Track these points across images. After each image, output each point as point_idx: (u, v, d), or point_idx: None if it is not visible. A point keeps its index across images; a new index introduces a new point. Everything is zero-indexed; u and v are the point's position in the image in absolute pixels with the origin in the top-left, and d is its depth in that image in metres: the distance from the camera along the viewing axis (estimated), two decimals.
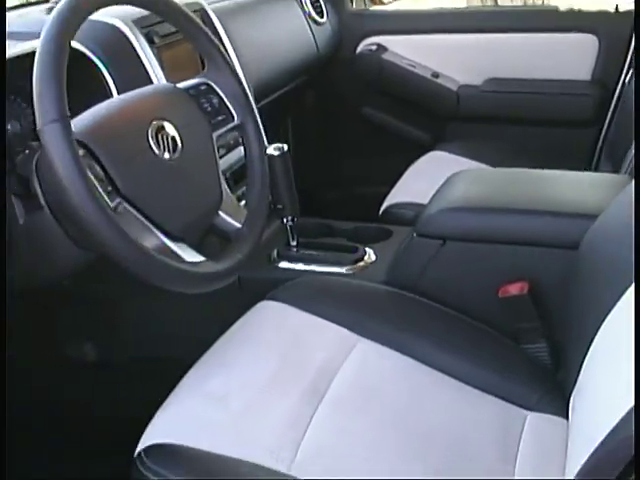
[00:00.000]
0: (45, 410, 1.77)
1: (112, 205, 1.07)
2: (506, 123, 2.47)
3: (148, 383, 1.48)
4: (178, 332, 1.74)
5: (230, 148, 1.62)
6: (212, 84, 1.38)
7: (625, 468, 0.77)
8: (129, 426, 1.25)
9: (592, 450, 0.87)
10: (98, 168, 1.08)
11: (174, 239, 1.15)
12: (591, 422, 0.96)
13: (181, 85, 1.36)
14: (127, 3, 1.24)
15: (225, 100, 1.37)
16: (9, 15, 1.77)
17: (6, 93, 1.36)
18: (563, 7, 2.43)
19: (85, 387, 1.80)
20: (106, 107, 1.22)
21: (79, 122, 1.09)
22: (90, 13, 1.12)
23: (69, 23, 1.06)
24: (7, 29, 1.55)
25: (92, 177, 1.03)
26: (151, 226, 1.12)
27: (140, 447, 1.13)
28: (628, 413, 0.79)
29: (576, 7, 2.39)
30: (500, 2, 4.93)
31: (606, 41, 2.29)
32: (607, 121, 2.28)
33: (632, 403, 0.78)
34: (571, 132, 2.39)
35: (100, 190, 1.04)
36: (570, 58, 2.37)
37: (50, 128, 0.99)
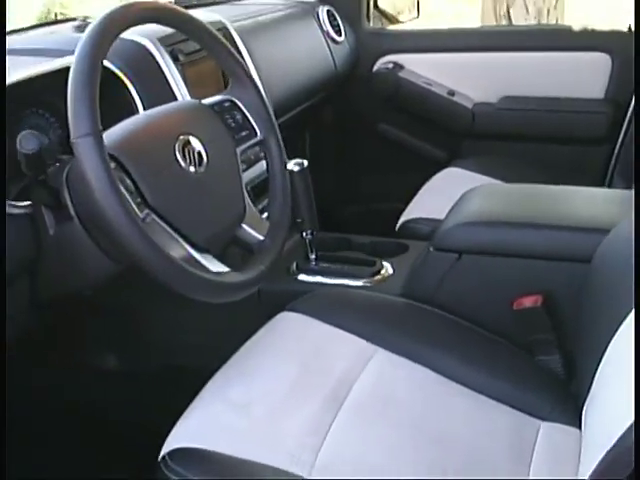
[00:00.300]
0: (66, 416, 1.80)
1: (141, 216, 1.10)
2: (521, 140, 2.48)
3: (168, 391, 1.51)
4: (199, 342, 1.76)
5: (251, 163, 1.64)
6: (236, 101, 1.42)
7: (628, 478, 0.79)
8: (147, 432, 1.29)
9: (601, 458, 0.90)
10: (128, 181, 1.12)
11: (200, 250, 1.18)
12: (602, 431, 0.98)
13: (206, 101, 1.39)
14: (155, 22, 1.28)
15: (248, 116, 1.41)
16: (40, 32, 1.82)
17: (36, 108, 1.40)
18: (577, 26, 2.46)
19: (106, 394, 1.83)
20: (135, 122, 1.26)
21: (109, 136, 1.12)
22: (121, 32, 1.16)
23: (101, 42, 1.10)
24: (37, 46, 1.61)
25: (123, 189, 1.07)
26: (178, 237, 1.16)
27: (164, 451, 1.15)
28: (629, 427, 0.82)
29: (590, 27, 2.42)
30: (514, 21, 4.96)
31: (619, 60, 2.32)
32: (620, 138, 2.29)
33: (632, 418, 0.81)
34: (585, 149, 2.41)
35: (131, 202, 1.08)
36: (584, 77, 2.39)
37: (83, 141, 1.03)
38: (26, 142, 1.14)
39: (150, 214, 1.13)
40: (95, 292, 1.54)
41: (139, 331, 1.84)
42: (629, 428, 0.82)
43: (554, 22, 5.07)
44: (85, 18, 1.91)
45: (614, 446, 0.86)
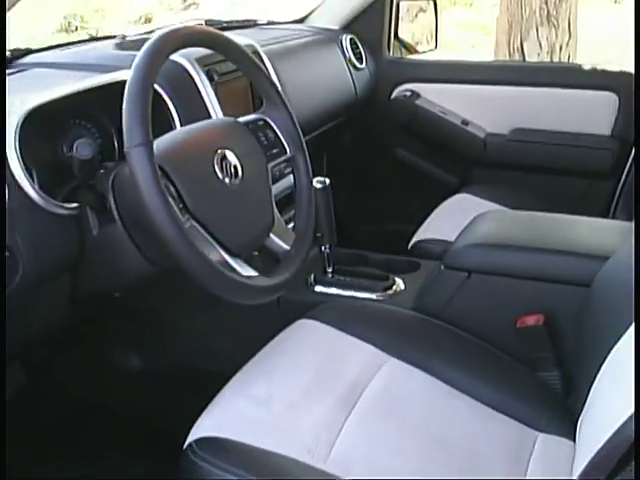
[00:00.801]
0: (80, 411, 1.89)
1: (183, 221, 1.19)
2: (529, 171, 2.53)
3: (186, 392, 1.58)
4: (219, 346, 1.84)
5: (276, 179, 1.71)
6: (268, 120, 1.51)
7: (622, 458, 0.86)
8: (162, 430, 1.36)
9: (592, 455, 0.98)
10: (172, 188, 1.20)
11: (232, 255, 1.26)
12: (594, 438, 1.04)
13: (241, 120, 1.49)
14: (201, 46, 1.38)
15: (279, 135, 1.50)
16: (82, 48, 1.92)
17: (79, 119, 1.48)
18: (586, 66, 2.53)
19: (126, 393, 1.91)
20: (178, 135, 1.35)
21: (156, 147, 1.19)
22: (171, 54, 1.26)
23: (154, 62, 1.20)
24: (81, 61, 1.69)
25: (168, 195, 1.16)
26: (213, 242, 1.24)
27: (190, 439, 1.23)
28: (629, 417, 0.89)
29: (599, 66, 2.48)
30: (527, 56, 5.00)
31: (625, 99, 2.36)
32: (624, 174, 2.34)
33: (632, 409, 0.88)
34: (590, 183, 2.46)
35: (175, 207, 1.16)
36: (592, 113, 2.43)
37: (136, 151, 1.12)
38: (82, 149, 1.23)
39: (190, 219, 1.22)
40: (124, 294, 1.62)
41: (162, 334, 1.91)
42: (626, 421, 0.89)
43: (566, 58, 5.11)
44: (124, 36, 2.01)
45: (606, 442, 0.94)
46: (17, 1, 1.11)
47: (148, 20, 9.65)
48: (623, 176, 2.36)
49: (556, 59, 5.07)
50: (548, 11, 5.04)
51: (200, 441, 1.22)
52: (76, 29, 9.39)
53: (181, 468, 1.22)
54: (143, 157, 1.12)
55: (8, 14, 1.35)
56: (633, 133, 2.32)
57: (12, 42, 1.62)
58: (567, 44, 5.13)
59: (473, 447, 1.26)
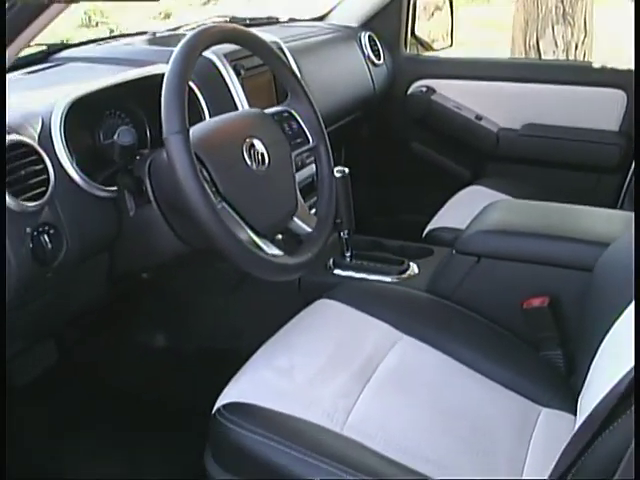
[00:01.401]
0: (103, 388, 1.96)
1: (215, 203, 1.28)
2: (540, 165, 2.59)
3: (211, 371, 1.67)
4: (242, 327, 1.92)
5: (299, 168, 1.77)
6: (293, 112, 1.60)
7: (610, 413, 0.91)
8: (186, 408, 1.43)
9: (587, 415, 1.05)
10: (205, 173, 1.30)
11: (259, 235, 1.35)
12: (590, 404, 1.11)
13: (268, 111, 1.58)
14: (232, 42, 1.47)
15: (303, 126, 1.59)
16: (114, 44, 2.01)
17: (114, 110, 1.58)
18: (596, 64, 2.60)
19: (149, 373, 1.99)
20: (210, 124, 1.45)
21: (191, 135, 1.26)
22: (205, 49, 1.35)
23: (190, 57, 1.29)
24: (115, 56, 1.79)
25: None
26: (242, 223, 1.33)
27: (219, 404, 1.32)
28: (624, 375, 0.94)
29: (608, 65, 2.54)
30: (543, 53, 5.02)
31: (633, 96, 2.41)
32: (631, 169, 2.40)
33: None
34: (598, 177, 2.52)
35: (208, 190, 1.25)
36: (601, 110, 2.50)
37: (174, 137, 1.21)
38: (123, 135, 1.33)
39: (221, 202, 1.31)
40: (152, 275, 1.71)
41: (188, 315, 2.00)
42: (619, 381, 0.95)
43: (582, 56, 5.13)
44: (154, 33, 2.11)
45: (600, 401, 1.01)
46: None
47: (167, 16, 9.75)
48: (630, 171, 2.41)
49: (572, 57, 5.08)
50: (564, 9, 5.07)
51: (228, 406, 1.30)
52: (97, 24, 9.50)
53: (210, 431, 1.31)
54: (181, 144, 1.21)
55: None
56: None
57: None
58: (583, 42, 5.15)
59: (480, 420, 1.34)
